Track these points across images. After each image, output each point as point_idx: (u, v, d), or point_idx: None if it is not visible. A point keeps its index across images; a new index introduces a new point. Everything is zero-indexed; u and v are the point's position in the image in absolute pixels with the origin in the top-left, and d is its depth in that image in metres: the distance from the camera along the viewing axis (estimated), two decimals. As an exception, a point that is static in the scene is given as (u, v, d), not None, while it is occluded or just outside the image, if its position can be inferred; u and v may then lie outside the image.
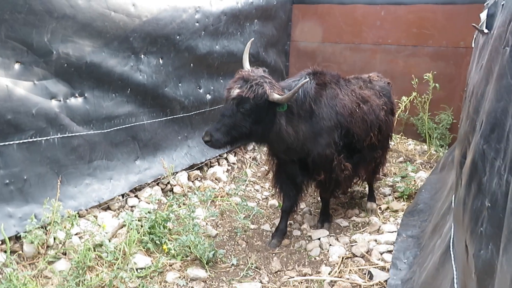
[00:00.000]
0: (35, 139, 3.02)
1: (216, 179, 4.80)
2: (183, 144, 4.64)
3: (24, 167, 2.97)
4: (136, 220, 3.24)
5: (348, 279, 2.95)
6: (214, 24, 4.70)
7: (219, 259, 3.25)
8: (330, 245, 3.49)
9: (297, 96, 3.12)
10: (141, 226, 3.26)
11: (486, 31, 2.44)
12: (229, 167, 5.20)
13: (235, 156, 5.44)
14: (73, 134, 3.31)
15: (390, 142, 4.29)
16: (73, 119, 3.30)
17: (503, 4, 1.95)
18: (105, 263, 2.92)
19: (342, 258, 3.25)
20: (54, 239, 3.02)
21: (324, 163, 3.31)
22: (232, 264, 3.21)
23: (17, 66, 2.86)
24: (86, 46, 3.29)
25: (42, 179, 3.10)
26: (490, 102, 1.58)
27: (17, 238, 2.90)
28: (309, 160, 3.33)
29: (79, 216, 3.28)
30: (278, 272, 3.16)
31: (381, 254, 3.24)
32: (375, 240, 3.45)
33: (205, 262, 3.08)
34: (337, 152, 3.33)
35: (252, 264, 3.21)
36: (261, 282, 3.01)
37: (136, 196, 4.02)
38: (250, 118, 2.99)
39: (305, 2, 6.37)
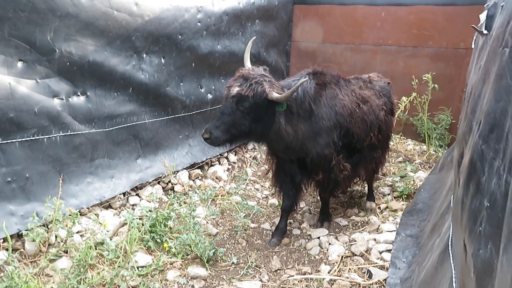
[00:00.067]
0: (37, 138, 3.03)
1: (216, 178, 4.81)
2: (184, 143, 4.66)
3: (26, 165, 2.98)
4: (137, 218, 3.26)
5: (347, 278, 2.96)
6: (216, 24, 4.72)
7: (219, 258, 3.26)
8: (330, 244, 3.51)
9: (296, 96, 3.12)
10: (142, 225, 3.27)
11: (485, 32, 2.45)
12: (230, 166, 5.22)
13: (235, 155, 5.46)
14: (75, 133, 3.33)
15: (389, 142, 4.30)
16: (75, 117, 3.32)
17: (502, 6, 1.96)
18: (106, 261, 2.94)
19: (342, 257, 3.27)
20: (56, 237, 3.03)
21: (323, 163, 3.32)
22: (232, 263, 3.23)
23: (20, 64, 2.87)
24: (88, 45, 3.30)
25: (44, 177, 3.12)
26: (489, 102, 1.59)
27: (18, 236, 2.91)
28: (307, 159, 3.33)
29: (80, 214, 3.30)
30: (278, 271, 3.18)
31: (380, 253, 3.26)
32: (374, 239, 3.47)
33: (205, 261, 3.10)
34: (336, 152, 3.33)
35: (252, 262, 3.23)
36: (261, 280, 3.03)
37: (137, 194, 4.03)
38: (250, 117, 2.99)
39: (306, 3, 6.39)
